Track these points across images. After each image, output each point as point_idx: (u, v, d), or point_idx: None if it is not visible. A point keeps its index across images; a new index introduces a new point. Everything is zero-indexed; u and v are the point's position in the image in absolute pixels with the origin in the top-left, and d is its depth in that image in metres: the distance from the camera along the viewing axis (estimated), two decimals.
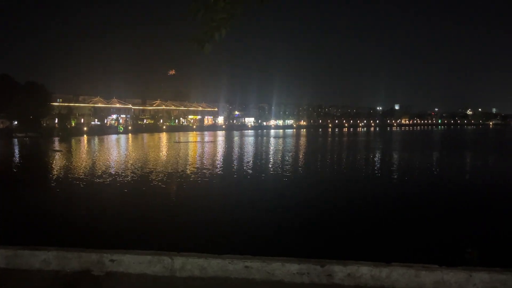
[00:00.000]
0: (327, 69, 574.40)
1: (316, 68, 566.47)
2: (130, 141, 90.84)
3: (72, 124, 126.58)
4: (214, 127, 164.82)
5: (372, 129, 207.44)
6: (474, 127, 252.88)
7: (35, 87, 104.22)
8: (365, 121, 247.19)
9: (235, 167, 42.81)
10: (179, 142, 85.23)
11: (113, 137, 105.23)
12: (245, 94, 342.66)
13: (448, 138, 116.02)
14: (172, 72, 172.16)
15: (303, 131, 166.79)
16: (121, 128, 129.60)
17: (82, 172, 36.88)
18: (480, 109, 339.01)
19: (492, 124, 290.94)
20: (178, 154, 57.36)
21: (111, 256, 6.60)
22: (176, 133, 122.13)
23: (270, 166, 43.29)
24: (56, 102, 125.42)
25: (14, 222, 19.16)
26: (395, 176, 36.68)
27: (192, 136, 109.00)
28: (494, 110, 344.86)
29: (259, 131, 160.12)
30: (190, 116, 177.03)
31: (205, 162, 48.13)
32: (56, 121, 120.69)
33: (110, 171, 37.89)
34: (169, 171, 37.84)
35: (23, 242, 7.67)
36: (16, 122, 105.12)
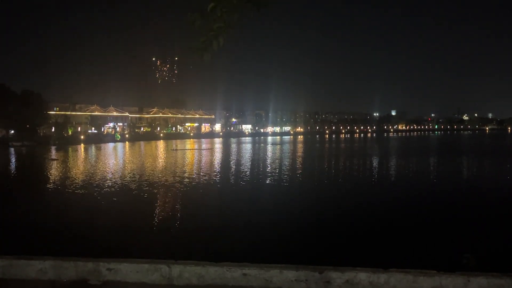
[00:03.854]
0: (324, 76, 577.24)
1: (313, 74, 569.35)
2: (127, 149, 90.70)
3: (69, 132, 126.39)
4: (211, 135, 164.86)
5: (369, 135, 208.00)
6: (471, 132, 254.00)
7: (31, 96, 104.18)
8: (362, 127, 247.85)
9: (232, 174, 42.76)
10: (176, 149, 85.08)
11: (110, 145, 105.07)
12: (242, 101, 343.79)
13: (446, 143, 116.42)
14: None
15: (300, 137, 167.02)
16: (118, 136, 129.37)
17: (78, 181, 36.75)
18: (476, 114, 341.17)
19: (488, 129, 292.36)
20: (175, 162, 57.27)
21: (108, 265, 6.56)
22: (173, 141, 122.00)
23: (268, 173, 43.27)
24: (53, 110, 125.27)
25: (9, 232, 19.02)
26: (394, 182, 36.73)
27: (190, 144, 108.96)
28: (490, 115, 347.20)
29: (257, 138, 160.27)
30: (187, 124, 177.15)
31: (203, 169, 48.09)
32: (53, 129, 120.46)
33: (106, 180, 37.77)
34: (166, 179, 37.76)
35: (19, 252, 7.62)
36: (12, 131, 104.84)
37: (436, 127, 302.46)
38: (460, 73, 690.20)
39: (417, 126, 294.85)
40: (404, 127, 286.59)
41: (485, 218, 21.32)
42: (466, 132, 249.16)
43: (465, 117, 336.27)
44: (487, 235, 17.79)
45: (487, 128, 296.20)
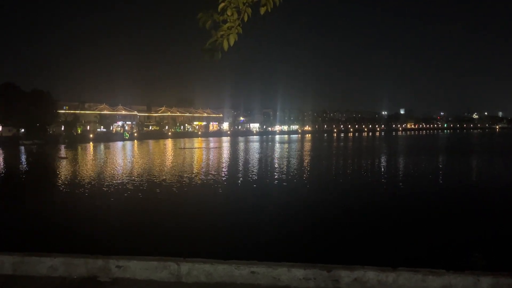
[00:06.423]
0: (332, 74, 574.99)
1: (321, 73, 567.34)
2: (135, 148, 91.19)
3: (78, 131, 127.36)
4: (219, 133, 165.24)
5: (377, 134, 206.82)
6: (480, 131, 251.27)
7: (41, 95, 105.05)
8: (370, 126, 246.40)
9: (240, 173, 42.80)
10: (184, 148, 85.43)
11: (119, 143, 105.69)
12: (250, 100, 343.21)
13: (456, 142, 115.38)
14: None
15: (308, 136, 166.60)
16: (127, 135, 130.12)
17: (87, 179, 37.04)
18: (486, 113, 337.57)
19: (499, 127, 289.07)
20: (183, 160, 57.48)
21: (117, 262, 6.61)
22: (181, 139, 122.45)
23: (276, 171, 43.23)
24: (62, 109, 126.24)
25: (20, 229, 19.24)
26: (405, 181, 36.49)
27: (197, 142, 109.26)
28: (500, 113, 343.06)
29: (264, 136, 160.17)
30: (195, 122, 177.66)
31: (210, 168, 48.18)
32: (62, 128, 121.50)
33: (115, 177, 38.02)
34: (174, 177, 37.91)
35: (30, 249, 7.71)
36: (23, 130, 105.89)
37: (445, 125, 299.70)
38: (469, 71, 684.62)
39: (426, 124, 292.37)
40: (413, 126, 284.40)
41: (497, 216, 21.14)
42: (476, 131, 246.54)
43: (475, 116, 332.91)
44: (498, 233, 17.64)
45: (497, 127, 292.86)
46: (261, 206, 24.64)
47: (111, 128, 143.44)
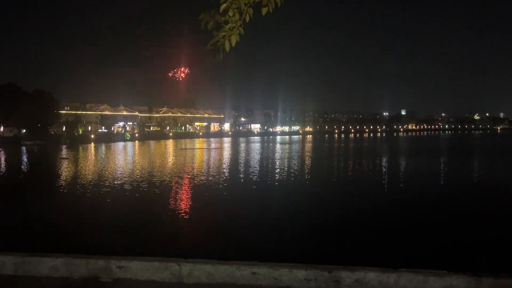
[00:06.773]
0: (333, 75, 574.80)
1: (322, 74, 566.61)
2: (136, 148, 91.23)
3: (79, 131, 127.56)
4: (220, 134, 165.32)
5: (378, 134, 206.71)
6: (482, 132, 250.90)
7: (43, 96, 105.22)
8: (371, 127, 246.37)
9: (241, 173, 42.78)
10: (185, 149, 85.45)
11: (120, 144, 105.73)
12: (251, 101, 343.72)
13: (458, 143, 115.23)
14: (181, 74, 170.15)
15: (309, 137, 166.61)
16: (128, 136, 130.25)
17: (88, 180, 37.06)
18: (487, 114, 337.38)
19: (500, 128, 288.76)
20: (184, 161, 57.50)
21: (118, 263, 6.62)
22: (183, 140, 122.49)
23: (277, 172, 43.23)
24: (64, 110, 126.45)
25: (21, 229, 19.25)
26: (406, 182, 36.45)
27: (198, 143, 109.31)
28: (501, 114, 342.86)
29: (265, 137, 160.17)
30: (196, 123, 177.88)
31: (211, 169, 48.17)
32: (64, 128, 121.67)
33: (116, 178, 38.02)
34: (174, 178, 37.92)
35: (32, 249, 7.73)
36: (24, 130, 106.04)
37: (446, 126, 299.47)
38: (470, 72, 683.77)
39: (427, 125, 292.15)
40: (414, 127, 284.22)
41: (498, 216, 21.11)
42: (477, 132, 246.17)
43: (476, 117, 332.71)
44: (499, 233, 17.61)
45: (498, 128, 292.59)
46: (261, 207, 24.63)
47: (112, 129, 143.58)
